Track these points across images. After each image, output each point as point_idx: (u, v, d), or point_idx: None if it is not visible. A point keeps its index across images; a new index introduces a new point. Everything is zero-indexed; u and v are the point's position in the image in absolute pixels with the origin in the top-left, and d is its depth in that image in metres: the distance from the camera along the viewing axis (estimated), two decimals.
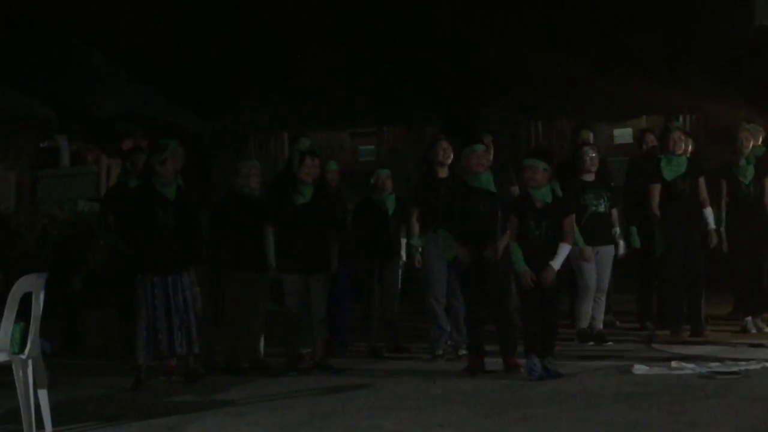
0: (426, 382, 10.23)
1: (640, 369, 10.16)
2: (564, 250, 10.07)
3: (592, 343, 11.70)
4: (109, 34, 20.75)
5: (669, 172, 11.84)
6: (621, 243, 11.98)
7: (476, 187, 10.49)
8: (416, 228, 11.41)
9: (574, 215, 10.28)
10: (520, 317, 10.28)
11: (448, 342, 11.50)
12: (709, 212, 11.88)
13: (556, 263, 10.00)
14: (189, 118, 20.06)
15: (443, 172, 11.48)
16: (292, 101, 20.55)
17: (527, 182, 10.15)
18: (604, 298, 11.96)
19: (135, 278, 10.54)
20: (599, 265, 11.80)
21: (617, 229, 11.98)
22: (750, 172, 12.15)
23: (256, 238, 11.10)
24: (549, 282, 9.98)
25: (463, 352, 11.25)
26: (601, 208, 11.79)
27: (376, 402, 9.44)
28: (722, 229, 12.03)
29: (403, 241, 11.87)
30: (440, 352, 11.46)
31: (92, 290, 13.22)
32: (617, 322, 12.86)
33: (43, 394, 8.61)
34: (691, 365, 10.22)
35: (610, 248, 11.89)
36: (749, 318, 12.07)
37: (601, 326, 11.93)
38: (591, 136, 12.84)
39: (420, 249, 11.40)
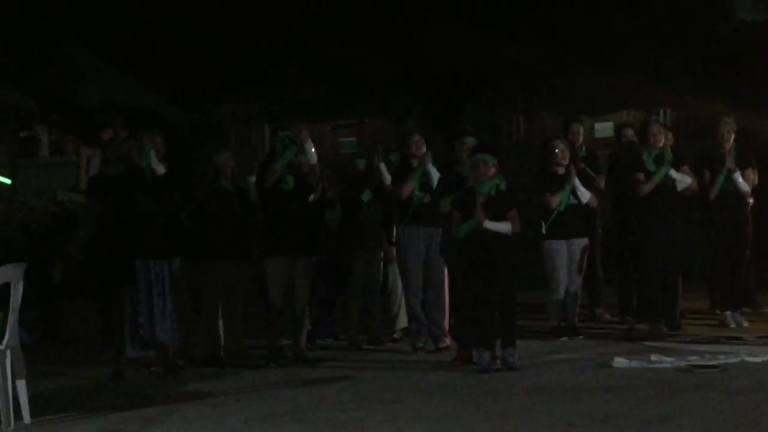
0: (408, 374, 10.24)
1: (619, 362, 10.18)
2: (504, 225, 10.11)
3: (565, 338, 11.71)
4: (90, 25, 20.66)
5: (651, 164, 11.85)
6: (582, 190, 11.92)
7: (466, 176, 10.57)
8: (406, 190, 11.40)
9: (516, 208, 10.30)
10: (473, 308, 10.29)
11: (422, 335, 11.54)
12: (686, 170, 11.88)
13: (490, 224, 10.05)
14: (170, 109, 20.03)
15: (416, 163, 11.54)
16: (273, 93, 20.53)
17: (479, 177, 10.22)
18: (578, 292, 11.97)
19: (117, 264, 10.52)
20: (572, 259, 11.81)
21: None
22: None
23: (233, 229, 11.13)
24: (478, 221, 9.99)
25: (444, 344, 11.28)
26: (573, 200, 11.81)
27: (357, 394, 9.43)
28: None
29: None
30: (421, 344, 11.47)
31: (71, 281, 13.18)
32: (607, 315, 12.89)
33: (21, 385, 8.59)
34: (670, 359, 10.24)
35: (583, 240, 11.90)
36: (729, 312, 12.11)
37: (575, 320, 11.94)
38: (581, 129, 12.88)
39: None
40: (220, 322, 11.30)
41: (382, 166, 11.97)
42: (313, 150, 11.15)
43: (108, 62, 20.25)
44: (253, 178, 11.77)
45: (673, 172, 11.72)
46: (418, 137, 11.64)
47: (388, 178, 11.89)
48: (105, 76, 19.86)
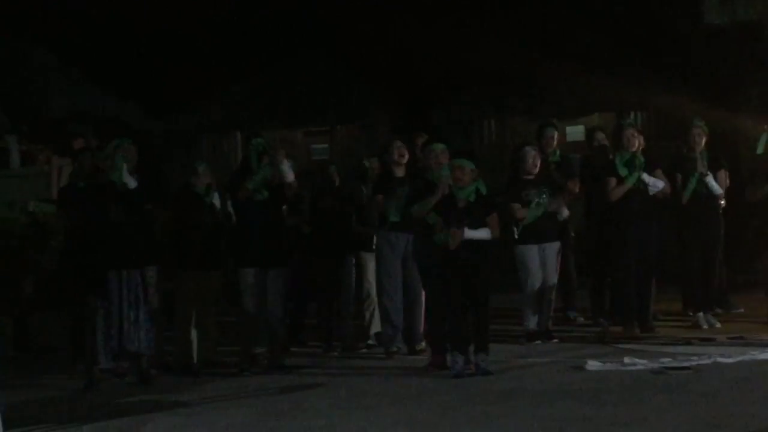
0: (382, 380, 10.24)
1: (593, 365, 10.21)
2: (483, 231, 10.15)
3: (539, 341, 11.74)
4: (60, 34, 20.58)
5: (622, 169, 11.89)
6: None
7: (436, 183, 10.57)
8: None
9: (496, 213, 10.32)
10: (446, 313, 10.30)
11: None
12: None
13: (469, 233, 10.09)
14: (141, 117, 19.97)
15: (400, 171, 11.57)
16: (245, 100, 20.51)
17: (455, 182, 10.24)
18: (552, 296, 12.00)
19: (88, 276, 10.48)
20: (544, 263, 11.84)
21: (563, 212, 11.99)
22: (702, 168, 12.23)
23: (206, 238, 11.13)
24: (455, 238, 10.01)
25: (420, 347, 11.30)
26: (539, 212, 11.84)
27: (330, 401, 9.42)
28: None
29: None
30: (395, 349, 11.48)
31: (44, 291, 13.13)
32: (581, 318, 12.92)
33: None
34: (643, 361, 10.28)
35: (555, 245, 11.94)
36: (701, 314, 12.15)
37: (549, 323, 11.96)
38: (555, 134, 12.89)
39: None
40: (194, 331, 11.26)
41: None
42: (290, 168, 11.11)
43: (78, 72, 20.18)
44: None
45: (645, 176, 11.77)
46: (400, 143, 11.62)
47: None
48: (75, 85, 19.78)
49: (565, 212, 12.11)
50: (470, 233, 10.10)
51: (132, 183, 10.66)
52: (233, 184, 11.23)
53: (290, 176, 11.04)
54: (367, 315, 12.11)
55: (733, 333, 11.58)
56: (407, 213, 10.94)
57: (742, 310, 12.87)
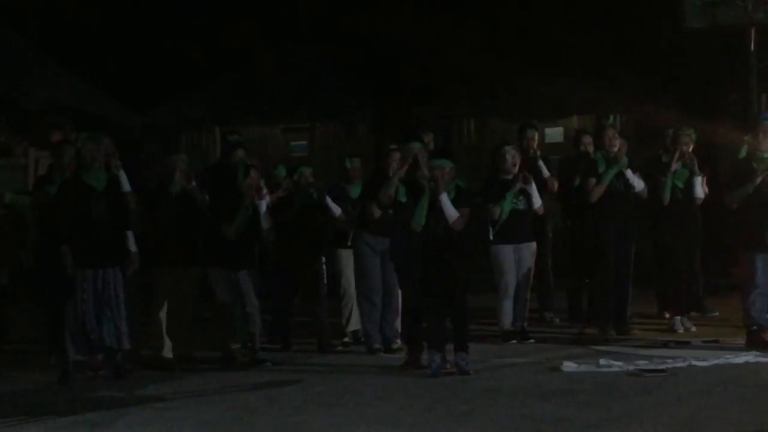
0: (359, 378, 10.23)
1: (568, 366, 10.23)
2: (453, 212, 10.15)
3: (515, 341, 11.75)
4: (39, 24, 20.49)
5: (603, 167, 11.91)
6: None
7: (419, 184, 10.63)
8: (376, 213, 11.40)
9: (469, 208, 10.33)
10: (423, 312, 10.31)
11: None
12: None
13: (444, 198, 10.12)
14: (120, 111, 19.88)
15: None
16: (224, 96, 20.44)
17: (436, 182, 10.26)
18: (527, 296, 12.01)
19: (63, 271, 10.42)
20: (520, 263, 11.85)
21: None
22: (684, 175, 12.27)
23: (183, 234, 11.10)
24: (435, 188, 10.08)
25: (396, 345, 11.31)
26: (521, 206, 11.85)
27: (307, 398, 9.41)
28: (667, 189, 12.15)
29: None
30: (377, 345, 11.48)
31: (19, 284, 13.05)
32: (557, 319, 12.94)
33: None
34: (619, 363, 10.30)
35: (531, 245, 11.95)
36: (677, 317, 12.19)
37: (524, 323, 11.98)
38: (536, 135, 12.90)
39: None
40: (169, 326, 11.22)
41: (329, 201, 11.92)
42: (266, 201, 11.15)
43: (57, 63, 20.07)
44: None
45: (628, 173, 11.81)
46: (398, 156, 11.54)
47: (336, 211, 11.88)
48: (53, 77, 19.67)
49: (538, 202, 12.05)
50: (444, 198, 10.13)
51: (126, 186, 10.69)
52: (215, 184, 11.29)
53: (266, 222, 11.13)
54: (345, 312, 12.09)
55: (709, 337, 11.62)
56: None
57: (718, 314, 12.93)
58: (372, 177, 11.72)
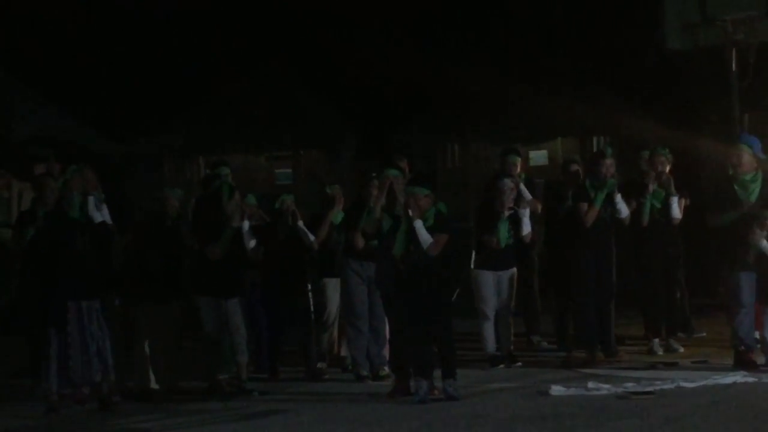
0: (347, 406, 10.18)
1: (557, 390, 10.19)
2: (427, 237, 10.12)
3: (502, 365, 11.72)
4: (21, 58, 20.45)
5: (592, 191, 11.91)
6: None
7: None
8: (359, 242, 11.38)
9: (446, 235, 10.28)
10: (409, 339, 10.27)
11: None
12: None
13: (418, 224, 10.11)
14: (102, 141, 19.82)
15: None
16: (208, 124, 20.40)
17: (411, 209, 10.24)
18: (510, 320, 11.98)
19: (47, 304, 10.36)
20: (500, 287, 11.85)
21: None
22: (661, 195, 12.27)
23: (167, 268, 11.08)
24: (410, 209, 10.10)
25: (384, 372, 11.27)
26: (510, 241, 11.84)
27: (295, 427, 9.36)
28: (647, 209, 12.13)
29: None
30: (365, 373, 11.44)
31: (2, 317, 12.99)
32: (545, 343, 12.91)
33: None
34: (607, 386, 10.28)
35: (511, 271, 11.93)
36: (656, 340, 12.17)
37: (511, 347, 11.95)
38: (519, 161, 12.88)
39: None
40: (154, 358, 11.16)
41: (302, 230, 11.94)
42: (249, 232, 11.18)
43: (40, 95, 20.03)
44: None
45: (618, 198, 11.82)
46: (377, 183, 11.56)
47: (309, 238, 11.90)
48: (36, 109, 19.62)
49: (528, 229, 12.04)
50: (418, 224, 10.10)
51: (98, 216, 10.60)
52: (196, 212, 11.24)
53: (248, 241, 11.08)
54: (324, 339, 12.06)
55: (697, 357, 11.61)
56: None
57: (704, 335, 12.91)
58: (353, 205, 11.72)
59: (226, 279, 11.00)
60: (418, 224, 10.17)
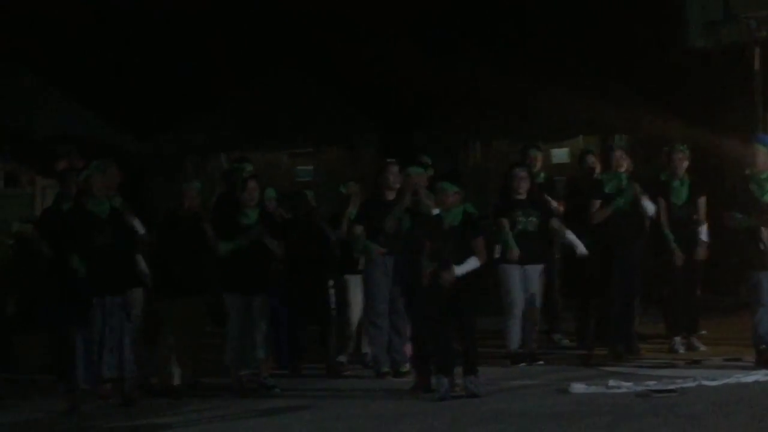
0: (368, 402, 10.20)
1: (578, 388, 10.19)
2: (472, 261, 10.18)
3: (524, 363, 11.72)
4: (44, 55, 20.55)
5: (610, 189, 11.91)
6: (577, 243, 11.96)
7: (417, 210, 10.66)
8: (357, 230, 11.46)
9: (481, 237, 10.32)
10: (432, 336, 10.29)
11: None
12: (669, 234, 11.99)
13: (460, 269, 10.11)
14: (125, 138, 19.91)
15: (391, 195, 11.57)
16: (230, 122, 20.45)
17: (439, 205, 10.26)
18: (536, 317, 11.97)
19: (71, 300, 10.42)
20: (527, 284, 11.83)
21: (568, 235, 11.94)
22: (683, 193, 12.25)
23: (190, 262, 11.09)
24: (446, 282, 10.04)
25: (405, 369, 11.29)
26: (530, 227, 11.83)
27: (315, 423, 9.39)
28: (673, 244, 12.07)
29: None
30: (386, 369, 11.46)
31: (26, 312, 13.06)
32: (566, 341, 12.90)
33: None
34: (628, 383, 10.27)
35: (539, 267, 11.92)
36: (677, 338, 12.14)
37: (534, 345, 11.95)
38: (539, 155, 12.92)
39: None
40: (177, 354, 11.21)
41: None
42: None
43: (63, 93, 20.13)
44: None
45: (645, 201, 11.81)
46: (395, 169, 11.59)
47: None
48: (59, 106, 19.72)
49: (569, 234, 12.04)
50: (460, 269, 10.10)
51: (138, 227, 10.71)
52: (218, 208, 11.26)
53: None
54: (346, 336, 12.08)
55: (719, 356, 11.58)
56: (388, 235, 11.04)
57: (705, 332, 12.79)
58: (370, 196, 11.75)
59: (255, 275, 10.98)
60: (460, 270, 10.12)
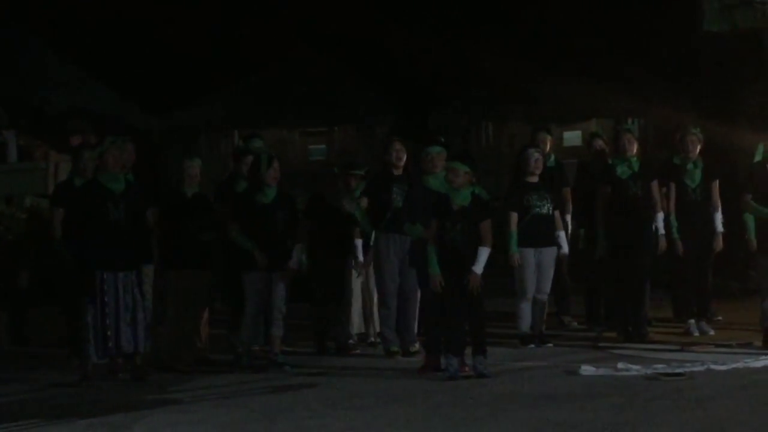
0: (377, 381, 10.26)
1: (586, 370, 10.23)
2: (483, 253, 10.19)
3: (533, 345, 11.75)
4: (59, 29, 20.59)
5: (620, 173, 11.93)
6: (564, 244, 12.04)
7: (430, 189, 10.67)
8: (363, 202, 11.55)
9: (490, 220, 10.33)
10: (441, 316, 10.32)
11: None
12: (660, 217, 12.00)
13: (478, 268, 10.14)
14: (139, 115, 19.96)
15: (397, 171, 11.67)
16: (243, 99, 20.49)
17: (449, 184, 10.28)
18: (546, 300, 12.00)
19: (85, 274, 10.47)
20: (540, 267, 11.85)
21: (560, 232, 12.02)
22: (697, 176, 12.25)
23: (196, 237, 11.13)
24: (475, 288, 10.09)
25: (414, 348, 11.33)
26: (544, 210, 11.85)
27: (325, 401, 9.44)
28: (674, 231, 12.09)
29: (358, 242, 11.85)
30: (395, 348, 11.50)
31: (39, 286, 13.13)
32: (575, 323, 12.93)
33: None
34: (636, 367, 10.30)
35: (553, 250, 11.94)
36: (692, 321, 12.17)
37: (543, 327, 11.98)
38: (548, 138, 12.94)
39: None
40: (187, 329, 11.26)
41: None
42: None
43: (78, 68, 20.17)
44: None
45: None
46: (399, 146, 11.64)
47: None
48: (74, 81, 19.76)
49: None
50: (478, 267, 10.12)
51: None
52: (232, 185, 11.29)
53: None
54: (353, 314, 12.11)
55: (726, 340, 11.61)
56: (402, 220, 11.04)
57: (720, 318, 12.82)
58: (377, 174, 11.77)
59: (277, 252, 10.99)
60: (478, 269, 10.12)
